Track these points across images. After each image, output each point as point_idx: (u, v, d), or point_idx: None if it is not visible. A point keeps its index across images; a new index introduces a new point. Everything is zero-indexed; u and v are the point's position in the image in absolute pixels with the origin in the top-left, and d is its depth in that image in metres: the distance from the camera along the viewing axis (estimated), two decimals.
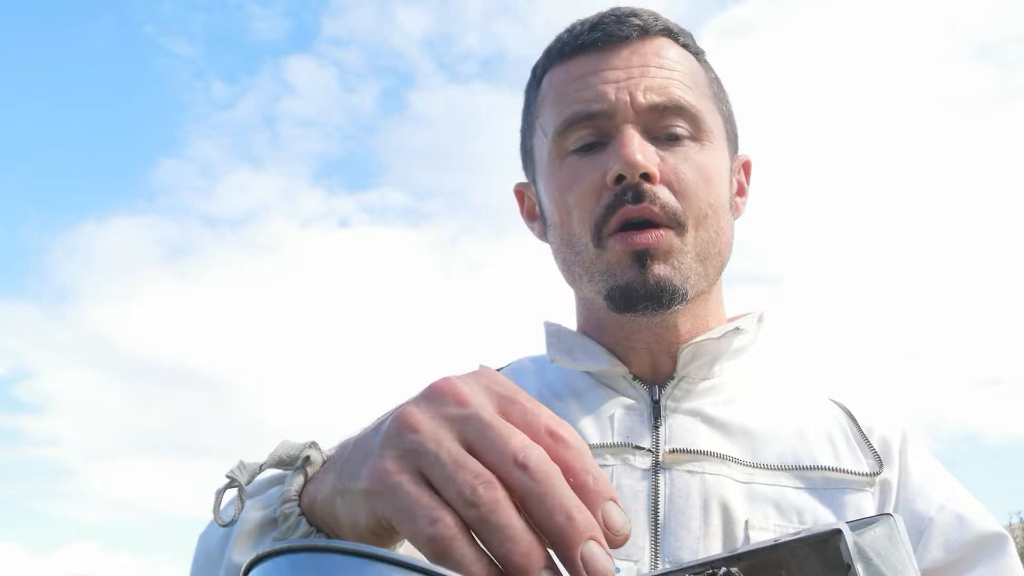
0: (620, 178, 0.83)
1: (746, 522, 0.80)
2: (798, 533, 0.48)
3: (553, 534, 0.42)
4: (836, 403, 0.93)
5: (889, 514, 0.50)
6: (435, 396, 0.47)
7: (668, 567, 0.61)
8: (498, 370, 0.98)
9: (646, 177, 0.83)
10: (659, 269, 0.84)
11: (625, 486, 0.82)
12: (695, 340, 0.88)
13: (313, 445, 0.62)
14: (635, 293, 0.84)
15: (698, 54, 0.93)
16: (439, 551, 0.42)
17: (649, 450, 0.84)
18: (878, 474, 0.85)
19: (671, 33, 0.90)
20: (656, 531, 0.80)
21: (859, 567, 0.45)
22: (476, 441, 0.45)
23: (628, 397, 0.88)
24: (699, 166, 0.86)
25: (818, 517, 0.81)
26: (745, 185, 0.98)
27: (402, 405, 0.48)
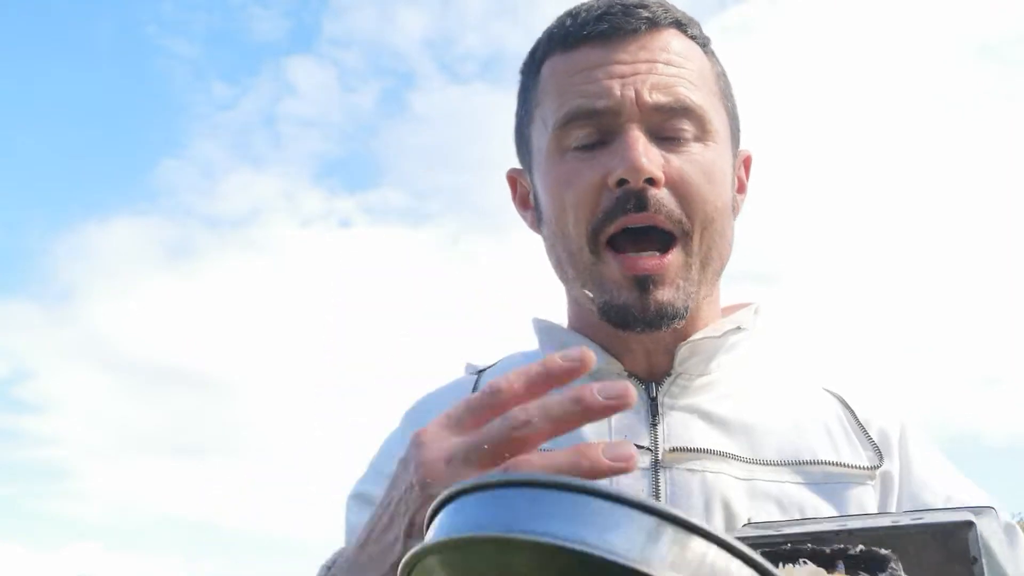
0: (622, 181, 0.80)
1: (748, 519, 0.79)
2: (919, 518, 0.48)
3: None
4: (832, 393, 0.91)
5: (991, 507, 0.49)
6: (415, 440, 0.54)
7: (766, 531, 0.60)
8: (489, 367, 0.96)
9: (650, 181, 0.80)
10: (662, 294, 0.81)
11: (625, 485, 0.80)
12: (694, 338, 0.86)
13: None
14: (632, 316, 0.82)
15: (705, 45, 0.89)
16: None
17: (648, 448, 0.82)
18: (878, 467, 0.84)
19: (680, 25, 0.87)
20: None
21: (984, 561, 0.45)
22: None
23: None
24: (704, 167, 0.83)
25: (820, 512, 0.80)
26: (745, 181, 0.95)
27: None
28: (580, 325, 0.92)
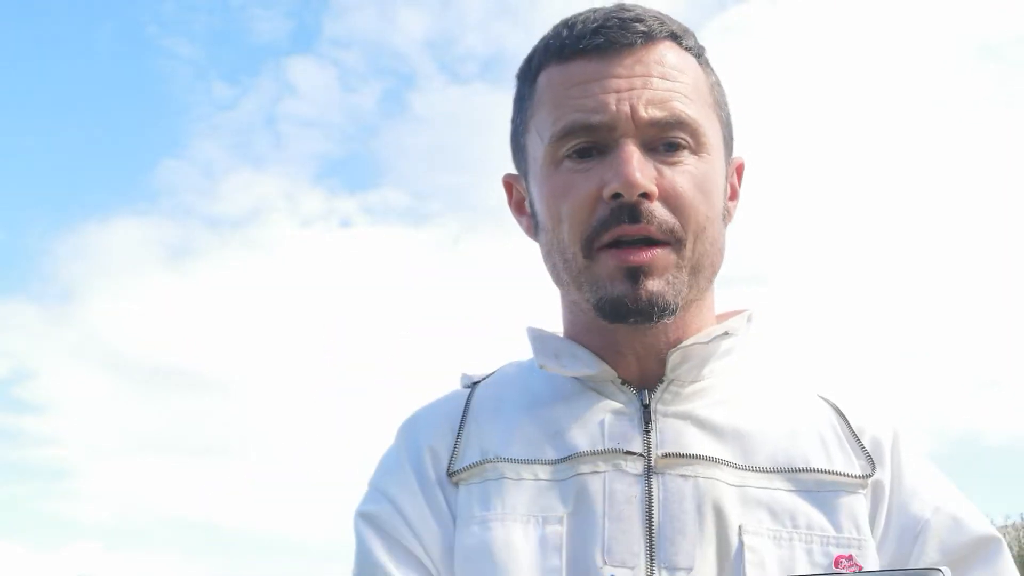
0: (617, 195, 0.82)
1: (740, 527, 0.80)
2: (895, 570, 0.48)
3: None
4: (826, 400, 0.92)
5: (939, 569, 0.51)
6: None
7: None
8: (483, 379, 0.97)
9: (644, 195, 0.82)
10: (652, 284, 0.83)
11: (618, 491, 0.81)
12: (684, 344, 0.87)
13: None
14: (625, 307, 0.83)
15: (700, 55, 0.90)
16: None
17: (641, 455, 0.83)
18: (870, 476, 0.85)
19: (675, 37, 0.88)
20: (651, 537, 0.79)
21: None
22: None
23: (617, 402, 0.87)
24: (697, 180, 0.85)
25: (811, 520, 0.81)
26: (737, 188, 0.96)
27: None
28: (574, 332, 0.93)
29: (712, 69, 0.93)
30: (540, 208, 0.90)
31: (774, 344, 0.99)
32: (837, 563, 0.79)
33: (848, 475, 0.84)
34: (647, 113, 0.83)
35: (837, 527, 0.81)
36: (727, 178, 0.92)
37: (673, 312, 0.84)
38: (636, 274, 0.83)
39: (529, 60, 0.92)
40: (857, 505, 0.82)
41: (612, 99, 0.83)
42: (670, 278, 0.83)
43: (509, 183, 0.98)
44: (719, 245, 0.88)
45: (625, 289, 0.83)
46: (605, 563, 0.78)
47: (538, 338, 0.94)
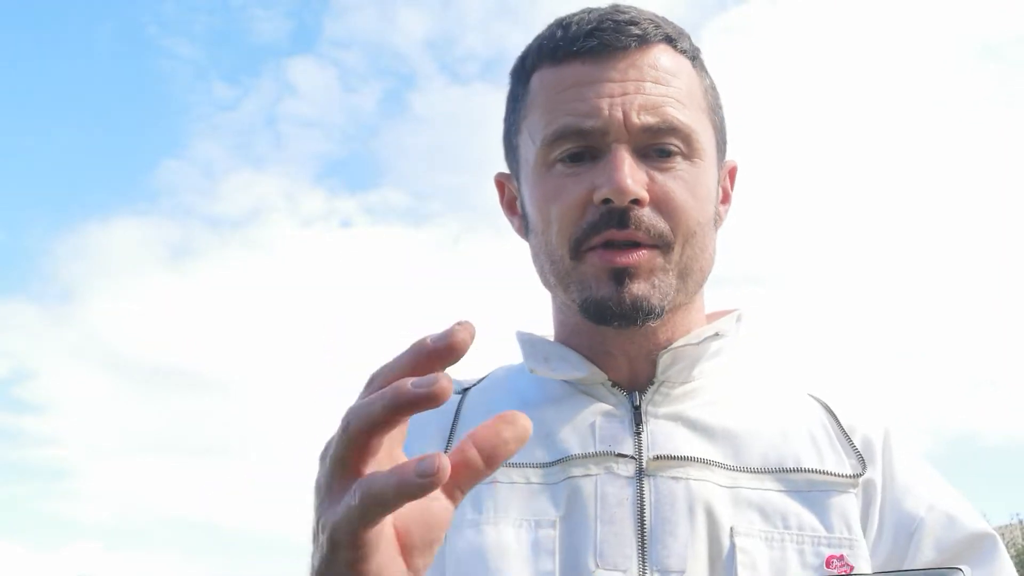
0: (607, 200, 0.82)
1: (731, 528, 0.80)
2: (914, 570, 0.48)
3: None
4: (816, 399, 0.92)
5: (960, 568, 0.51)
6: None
7: None
8: (473, 384, 0.97)
9: (635, 202, 0.82)
10: (637, 288, 0.82)
11: (610, 494, 0.81)
12: (674, 345, 0.87)
13: None
14: (609, 310, 0.83)
15: (695, 58, 0.90)
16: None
17: (632, 457, 0.83)
18: (861, 475, 0.85)
19: (670, 40, 0.87)
20: (643, 539, 0.79)
21: None
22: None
23: (607, 404, 0.87)
24: (689, 185, 0.84)
25: (802, 521, 0.81)
26: (729, 191, 0.96)
27: None
28: (564, 335, 0.93)
29: (707, 72, 0.92)
30: (531, 210, 0.90)
31: (764, 344, 0.99)
32: (828, 563, 0.79)
33: (839, 475, 0.84)
34: (640, 119, 0.83)
35: (828, 527, 0.81)
36: (719, 182, 0.92)
37: (658, 315, 0.84)
38: (621, 276, 0.82)
39: (523, 59, 0.92)
40: (848, 505, 0.82)
41: (605, 104, 0.83)
42: (656, 281, 0.83)
43: (501, 182, 0.98)
44: (710, 250, 0.88)
45: (609, 291, 0.83)
46: (597, 566, 0.78)
47: (528, 342, 0.94)
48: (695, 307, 0.91)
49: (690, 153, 0.85)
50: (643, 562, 0.78)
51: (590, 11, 0.87)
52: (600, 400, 0.88)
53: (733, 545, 0.79)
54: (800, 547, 0.79)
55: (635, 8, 0.88)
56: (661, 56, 0.86)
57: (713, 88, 0.92)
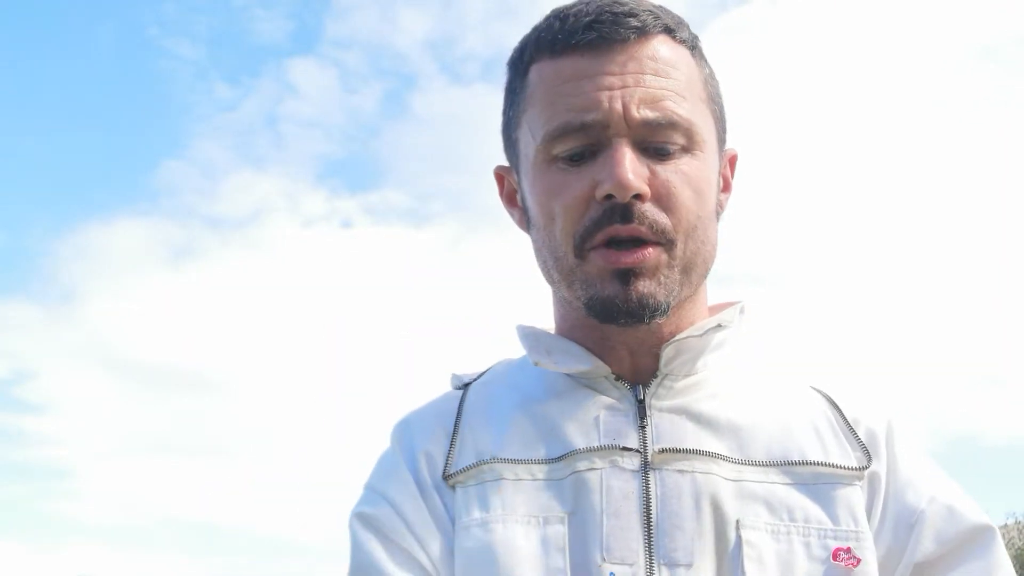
0: (609, 195, 0.81)
1: (737, 521, 0.80)
2: None
3: None
4: (819, 392, 0.91)
5: None
6: None
7: None
8: (475, 379, 0.96)
9: (637, 196, 0.81)
10: (643, 286, 0.82)
11: (615, 488, 0.81)
12: (678, 338, 0.87)
13: None
14: (616, 308, 0.83)
15: (694, 47, 0.89)
16: None
17: (637, 450, 0.83)
18: (866, 467, 0.85)
19: (668, 30, 0.86)
20: (649, 532, 0.79)
21: None
22: None
23: (611, 397, 0.87)
24: (690, 178, 0.84)
25: (808, 513, 0.81)
26: (730, 179, 0.96)
27: None
28: (566, 328, 0.92)
29: (706, 61, 0.91)
30: (532, 205, 0.89)
31: (766, 336, 0.99)
32: (835, 556, 0.79)
33: (844, 467, 0.84)
34: (640, 113, 0.82)
35: (835, 520, 0.81)
36: (720, 171, 0.92)
37: (664, 312, 0.84)
38: (627, 275, 0.82)
39: (521, 50, 0.91)
40: (854, 497, 0.82)
41: (604, 97, 0.82)
42: (661, 278, 0.83)
43: (500, 175, 0.98)
44: (712, 242, 0.88)
45: (615, 290, 0.82)
46: (604, 560, 0.78)
47: (530, 335, 0.93)
48: (698, 300, 0.91)
49: (691, 146, 0.85)
50: (650, 555, 0.78)
51: (588, 2, 0.86)
52: (603, 394, 0.88)
53: (739, 538, 0.79)
54: (807, 540, 0.80)
55: (635, 1, 0.87)
56: (660, 47, 0.85)
57: (712, 77, 0.92)
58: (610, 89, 0.83)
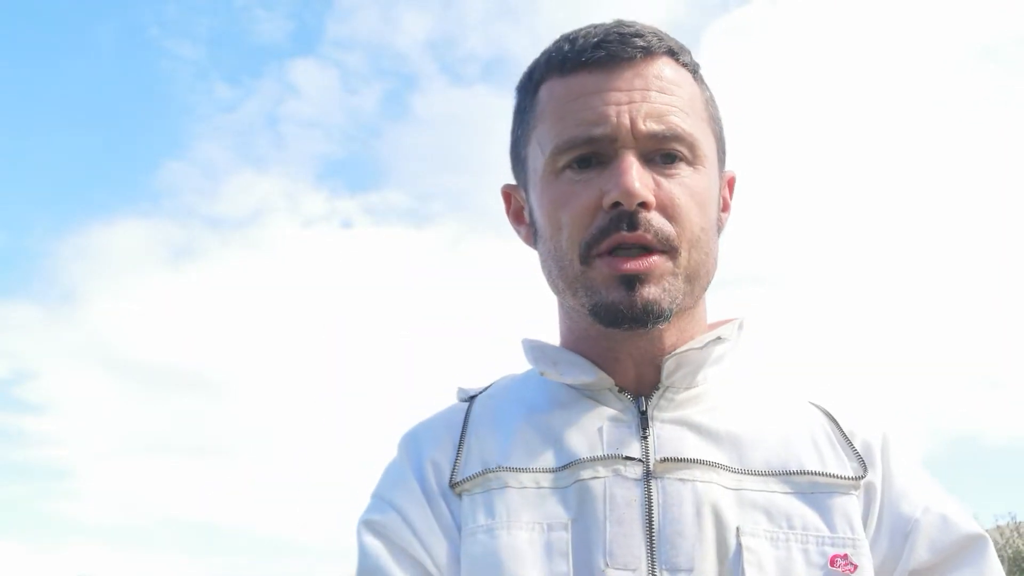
0: (616, 204, 0.84)
1: (737, 528, 0.81)
2: None
3: None
4: (817, 406, 0.94)
5: None
6: None
7: None
8: (480, 392, 0.99)
9: (643, 205, 0.84)
10: (648, 291, 0.84)
11: (618, 495, 0.83)
12: (679, 351, 0.89)
13: None
14: (620, 313, 0.85)
15: (696, 72, 0.93)
16: None
17: (640, 460, 0.85)
18: (862, 477, 0.87)
19: (672, 53, 0.90)
20: (652, 539, 0.81)
21: None
22: None
23: (614, 409, 0.89)
24: (693, 191, 0.87)
25: (807, 521, 0.83)
26: (729, 201, 0.99)
27: None
28: (571, 340, 0.94)
29: (706, 85, 0.95)
30: (539, 216, 0.92)
31: (764, 352, 1.01)
32: (833, 562, 0.81)
33: (841, 477, 0.86)
34: (646, 126, 0.85)
35: (832, 527, 0.82)
36: (720, 191, 0.95)
37: (667, 318, 0.86)
38: (632, 281, 0.84)
39: (530, 73, 0.95)
40: (850, 506, 0.84)
41: (612, 111, 0.86)
42: (666, 285, 0.85)
43: (508, 193, 1.00)
44: (714, 256, 0.90)
45: (620, 296, 0.85)
46: (607, 566, 0.80)
47: (536, 348, 0.95)
48: (699, 314, 0.94)
49: (694, 160, 0.88)
50: (652, 562, 0.80)
51: (596, 26, 0.90)
52: (607, 405, 0.90)
53: (740, 545, 0.80)
54: (805, 547, 0.81)
55: (638, 23, 0.91)
56: (665, 67, 0.89)
57: (713, 101, 0.95)
58: (618, 104, 0.86)
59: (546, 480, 0.85)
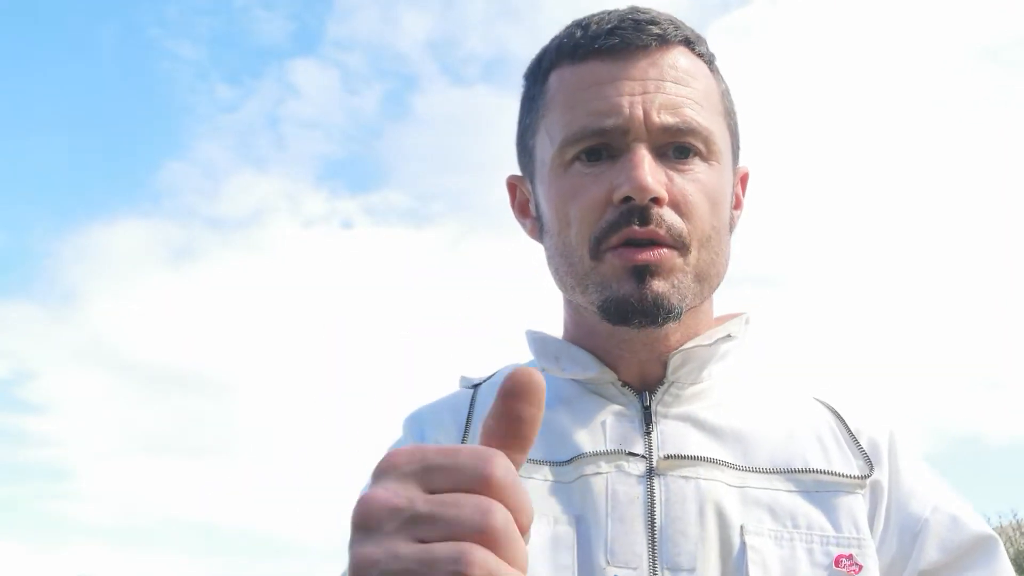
0: (628, 198, 0.81)
1: (741, 527, 0.80)
2: None
3: None
4: (823, 403, 0.92)
5: None
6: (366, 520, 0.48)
7: None
8: (484, 380, 0.97)
9: (655, 200, 0.82)
10: (658, 285, 0.82)
11: (620, 492, 0.82)
12: (686, 347, 0.87)
13: None
14: (631, 307, 0.83)
15: (712, 63, 0.90)
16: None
17: (643, 456, 0.83)
18: (868, 476, 0.85)
19: (688, 42, 0.87)
20: (653, 537, 0.80)
21: None
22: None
23: (618, 404, 0.88)
24: (706, 188, 0.85)
25: (811, 520, 0.81)
26: (742, 197, 0.96)
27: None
28: (576, 335, 0.93)
29: (722, 77, 0.92)
30: (547, 210, 0.89)
31: (770, 348, 1.00)
32: (838, 562, 0.80)
33: (846, 475, 0.85)
34: (660, 118, 0.83)
35: (837, 526, 0.81)
36: (733, 187, 0.92)
37: (677, 316, 0.84)
38: (642, 273, 0.82)
39: (539, 60, 0.92)
40: (856, 505, 0.83)
41: (625, 102, 0.83)
42: (675, 281, 0.83)
43: (513, 184, 0.98)
44: (724, 255, 0.88)
45: (631, 289, 0.83)
46: (608, 563, 0.79)
47: (538, 340, 0.94)
48: (706, 311, 0.92)
49: (708, 155, 0.85)
50: (654, 560, 0.79)
51: (609, 12, 0.87)
52: (610, 400, 0.88)
53: (743, 543, 0.79)
54: (809, 546, 0.80)
55: (654, 9, 0.88)
56: (680, 57, 0.86)
57: (728, 93, 0.93)
58: (631, 94, 0.83)
59: (551, 474, 0.84)
